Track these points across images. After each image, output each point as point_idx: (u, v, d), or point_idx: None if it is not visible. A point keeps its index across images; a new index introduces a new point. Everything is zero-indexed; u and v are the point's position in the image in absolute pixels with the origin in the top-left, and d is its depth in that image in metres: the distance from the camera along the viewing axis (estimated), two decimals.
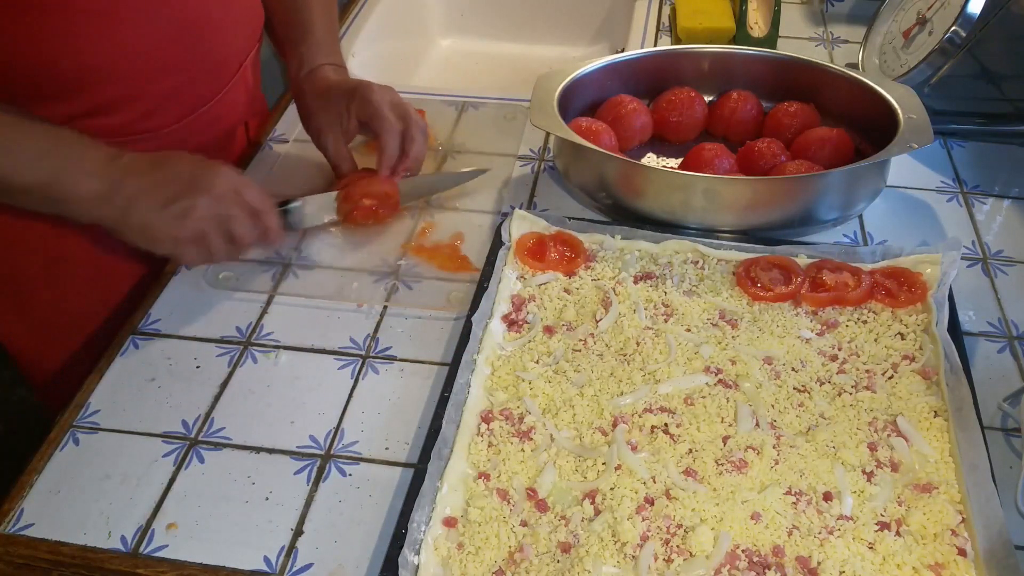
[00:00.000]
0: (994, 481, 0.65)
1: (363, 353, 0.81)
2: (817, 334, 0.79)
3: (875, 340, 0.78)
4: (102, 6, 0.79)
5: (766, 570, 0.61)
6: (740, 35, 1.23)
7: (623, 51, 1.13)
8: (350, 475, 0.71)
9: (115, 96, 0.85)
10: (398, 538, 0.63)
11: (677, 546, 0.63)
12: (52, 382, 1.00)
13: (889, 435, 0.70)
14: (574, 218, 0.90)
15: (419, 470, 0.67)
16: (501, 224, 0.89)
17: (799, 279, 0.82)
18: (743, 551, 0.62)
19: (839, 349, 0.78)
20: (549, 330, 0.80)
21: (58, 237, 0.90)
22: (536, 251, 0.87)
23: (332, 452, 0.73)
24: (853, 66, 1.15)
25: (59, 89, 0.82)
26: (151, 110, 0.89)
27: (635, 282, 0.84)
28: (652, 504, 0.65)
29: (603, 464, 0.68)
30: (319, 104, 0.96)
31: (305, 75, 0.98)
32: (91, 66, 0.82)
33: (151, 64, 0.86)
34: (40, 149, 0.77)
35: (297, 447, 0.73)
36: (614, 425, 0.71)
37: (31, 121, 0.79)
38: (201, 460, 0.72)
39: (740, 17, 1.23)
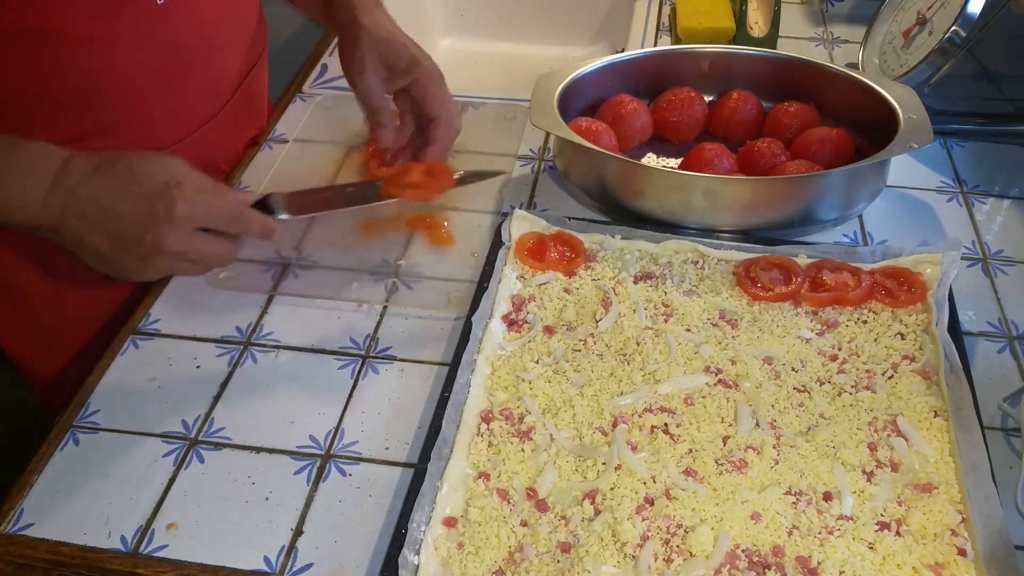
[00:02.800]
0: (994, 481, 0.65)
1: (363, 353, 0.81)
2: (817, 334, 0.79)
3: (875, 340, 0.78)
4: (100, 30, 0.79)
5: (766, 570, 0.61)
6: (740, 35, 1.23)
7: (623, 51, 1.13)
8: (350, 475, 0.71)
9: (113, 118, 0.85)
10: (398, 538, 0.63)
11: (677, 546, 0.63)
12: (52, 384, 1.00)
13: (889, 435, 0.70)
14: (574, 218, 0.90)
15: (419, 470, 0.67)
16: (501, 224, 0.89)
17: (799, 279, 0.82)
18: (743, 551, 0.62)
19: (839, 349, 0.78)
20: (549, 330, 0.80)
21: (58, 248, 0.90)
22: (536, 251, 0.87)
23: (332, 452, 0.73)
24: (853, 66, 1.15)
25: (56, 112, 0.81)
26: (151, 131, 0.88)
27: (635, 282, 0.84)
28: (652, 504, 0.65)
29: (603, 464, 0.68)
30: (375, 51, 0.90)
31: (359, 17, 0.91)
32: (88, 89, 0.81)
33: (149, 85, 0.86)
34: None
35: (297, 447, 0.73)
36: (614, 425, 0.71)
37: None
38: (201, 460, 0.72)
39: (740, 17, 1.23)
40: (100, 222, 0.69)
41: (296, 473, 0.71)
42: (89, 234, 0.69)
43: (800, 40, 1.29)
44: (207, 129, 0.95)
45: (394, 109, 0.93)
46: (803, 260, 0.84)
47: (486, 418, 0.72)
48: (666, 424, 0.71)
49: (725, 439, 0.70)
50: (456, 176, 0.89)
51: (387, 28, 0.92)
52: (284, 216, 0.79)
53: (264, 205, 0.78)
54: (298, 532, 0.67)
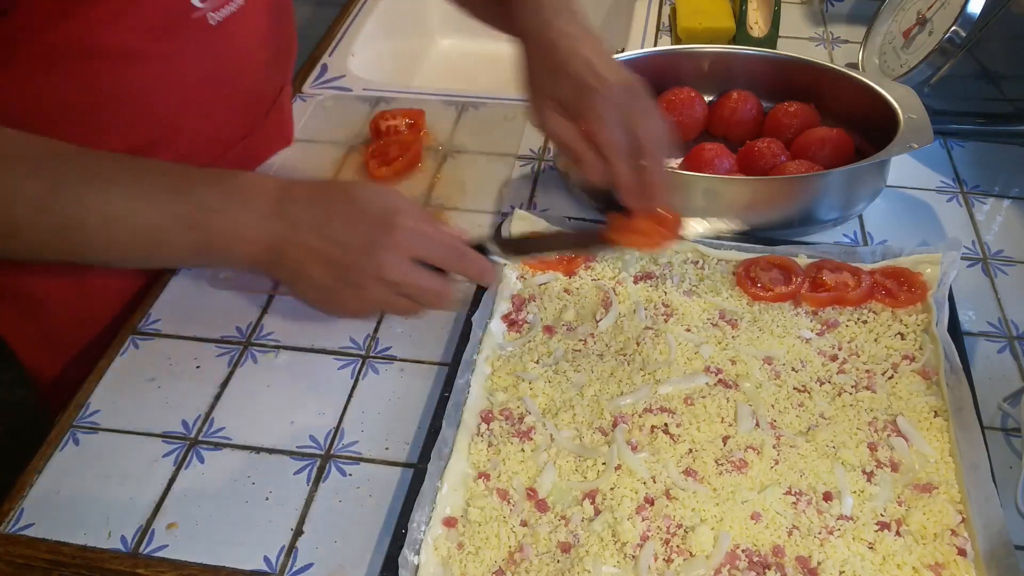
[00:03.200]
0: (994, 481, 0.65)
1: (363, 353, 0.81)
2: (817, 334, 0.79)
3: (875, 340, 0.78)
4: (155, 48, 0.79)
5: (766, 570, 0.61)
6: (740, 35, 1.23)
7: (623, 51, 1.13)
8: (350, 475, 0.71)
9: (158, 134, 0.85)
10: (398, 538, 0.63)
11: (677, 546, 0.63)
12: (57, 384, 1.00)
13: (889, 435, 0.70)
14: (574, 218, 0.90)
15: (419, 470, 0.67)
16: (501, 224, 0.89)
17: (799, 279, 0.82)
18: (743, 551, 0.62)
19: (839, 349, 0.78)
20: (549, 330, 0.80)
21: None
22: None
23: (332, 452, 0.73)
24: (853, 66, 1.15)
25: (102, 127, 0.80)
26: (185, 153, 0.88)
27: (635, 282, 0.84)
28: (652, 504, 0.65)
29: (603, 464, 0.68)
30: (545, 77, 0.77)
31: (532, 36, 0.78)
32: (137, 105, 0.81)
33: (196, 103, 0.86)
34: (183, 217, 0.66)
35: (297, 447, 0.73)
36: (614, 425, 0.71)
37: (165, 176, 0.68)
38: (201, 460, 0.72)
39: (740, 17, 1.23)
40: (321, 251, 0.66)
41: (296, 473, 0.71)
42: (309, 264, 0.67)
43: (800, 40, 1.29)
44: (242, 147, 0.95)
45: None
46: (803, 260, 0.84)
47: (486, 418, 0.72)
48: (666, 424, 0.71)
49: (725, 439, 0.70)
50: (682, 231, 0.77)
51: (564, 36, 0.77)
52: (499, 259, 0.77)
53: (479, 247, 0.74)
54: (298, 532, 0.67)
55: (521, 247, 0.81)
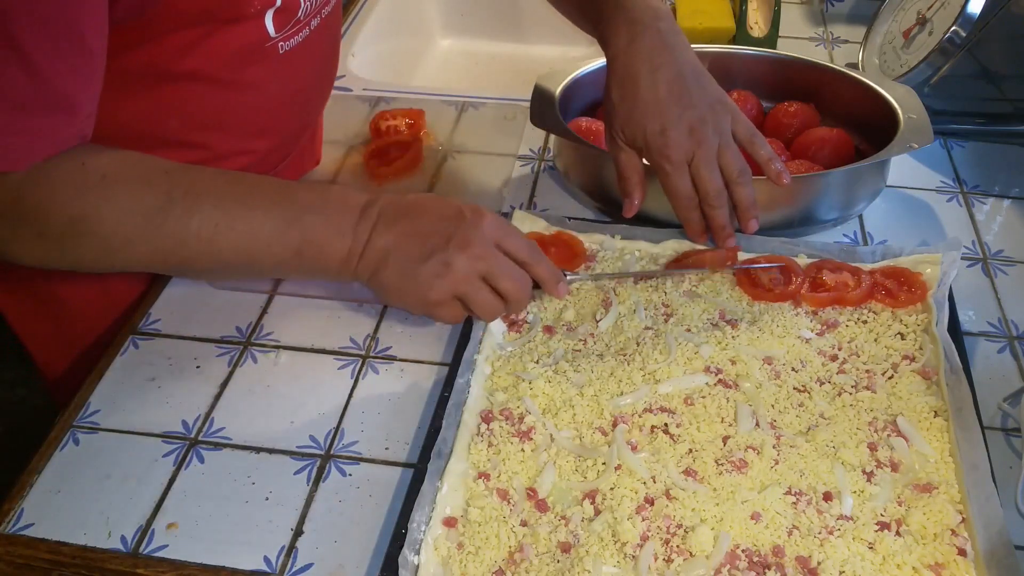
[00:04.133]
0: (994, 481, 0.65)
1: (363, 353, 0.81)
2: (817, 334, 0.79)
3: (875, 340, 0.78)
4: (231, 75, 0.80)
5: (766, 570, 0.61)
6: (740, 35, 1.23)
7: None
8: (350, 475, 0.71)
9: (212, 156, 0.85)
10: (398, 538, 0.63)
11: (677, 546, 0.63)
12: (67, 383, 1.00)
13: (889, 435, 0.70)
14: (574, 218, 0.90)
15: (419, 470, 0.67)
16: None
17: (799, 279, 0.82)
18: (743, 551, 0.62)
19: (839, 349, 0.78)
20: (549, 330, 0.80)
21: None
22: None
23: (332, 452, 0.73)
24: (853, 66, 1.15)
25: (161, 150, 0.78)
26: (246, 169, 0.88)
27: (635, 282, 0.84)
28: (652, 504, 0.65)
29: (603, 464, 0.68)
30: (617, 114, 0.80)
31: (612, 57, 0.81)
32: (200, 129, 0.83)
33: (256, 128, 0.87)
34: (284, 218, 0.70)
35: (297, 447, 0.73)
36: (614, 425, 0.71)
37: (267, 187, 0.73)
38: (201, 460, 0.72)
39: (740, 17, 1.23)
40: (412, 233, 0.71)
41: (296, 473, 0.71)
42: (398, 247, 0.71)
43: (800, 40, 1.29)
44: (287, 164, 0.96)
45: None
46: (803, 260, 0.84)
47: (486, 418, 0.72)
48: (666, 424, 0.71)
49: (725, 439, 0.70)
50: (739, 261, 0.84)
51: (642, 68, 0.78)
52: (572, 276, 0.81)
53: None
54: (298, 532, 0.67)
55: (601, 276, 0.84)
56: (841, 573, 0.61)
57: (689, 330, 0.79)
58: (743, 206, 0.82)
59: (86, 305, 0.93)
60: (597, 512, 0.65)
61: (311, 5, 0.82)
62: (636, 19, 0.80)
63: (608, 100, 0.82)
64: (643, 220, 0.91)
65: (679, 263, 0.85)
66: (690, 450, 0.69)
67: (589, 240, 0.88)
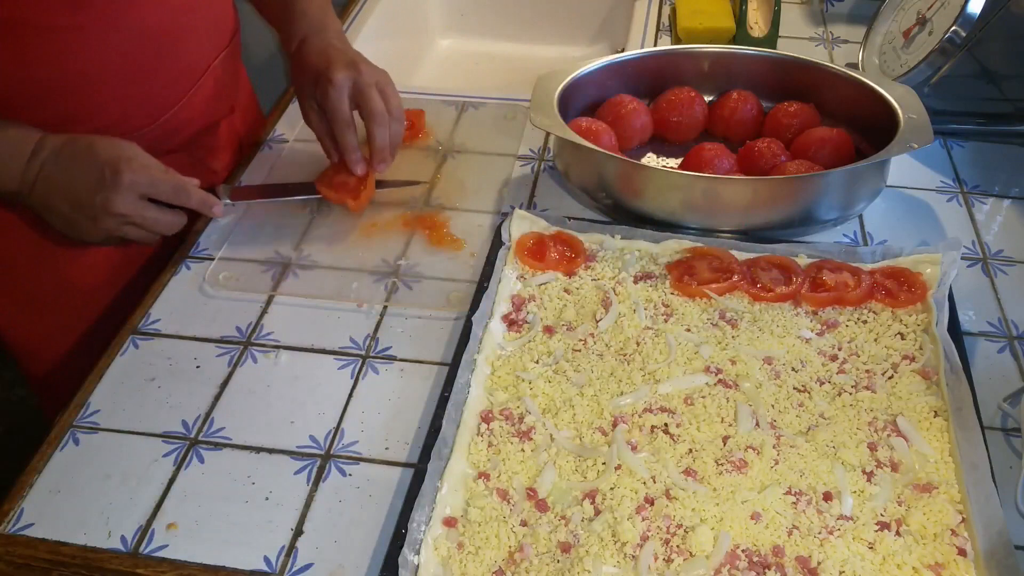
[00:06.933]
0: (994, 481, 0.65)
1: (363, 353, 0.81)
2: (817, 334, 0.79)
3: (875, 340, 0.78)
4: (69, 20, 0.80)
5: (766, 570, 0.61)
6: (740, 35, 1.23)
7: (623, 51, 1.13)
8: (350, 475, 0.71)
9: (80, 108, 0.86)
10: (398, 538, 0.63)
11: (677, 546, 0.63)
12: (50, 376, 1.00)
13: (889, 435, 0.70)
14: (574, 218, 0.90)
15: (419, 470, 0.67)
16: (501, 224, 0.89)
17: (799, 279, 0.82)
18: (743, 551, 0.62)
19: (839, 349, 0.78)
20: (549, 330, 0.80)
21: (65, 247, 0.92)
22: (536, 251, 0.87)
23: (332, 452, 0.73)
24: (853, 66, 1.15)
25: (28, 101, 0.83)
26: (117, 119, 0.89)
27: (635, 282, 0.84)
28: (652, 504, 0.65)
29: (603, 464, 0.68)
30: (300, 86, 0.94)
31: (293, 51, 0.96)
32: (60, 79, 0.83)
33: (116, 75, 0.87)
34: None
35: (297, 447, 0.73)
36: (614, 425, 0.71)
37: None
38: (201, 460, 0.72)
39: (740, 17, 1.23)
40: (61, 187, 0.81)
41: (296, 473, 0.71)
42: (53, 198, 0.82)
43: (800, 40, 1.29)
44: (177, 111, 0.96)
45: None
46: (803, 260, 0.84)
47: (486, 418, 0.72)
48: (666, 424, 0.71)
49: (725, 439, 0.70)
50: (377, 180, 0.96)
51: (311, 44, 0.94)
52: (227, 200, 0.92)
53: (209, 190, 0.89)
54: (298, 532, 0.67)
55: (248, 193, 0.97)
56: (841, 573, 0.61)
57: (689, 330, 0.79)
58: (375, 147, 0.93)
59: (52, 295, 0.95)
60: (597, 512, 0.65)
61: None
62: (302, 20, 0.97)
63: (293, 77, 0.96)
64: (643, 220, 0.91)
65: (321, 186, 0.95)
66: (690, 450, 0.69)
67: (589, 240, 0.88)
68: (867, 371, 0.75)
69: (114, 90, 0.88)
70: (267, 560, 0.65)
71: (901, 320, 0.80)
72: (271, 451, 0.73)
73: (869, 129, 0.96)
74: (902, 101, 0.93)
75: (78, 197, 0.81)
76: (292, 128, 1.11)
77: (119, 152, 0.81)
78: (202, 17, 0.96)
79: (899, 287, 0.82)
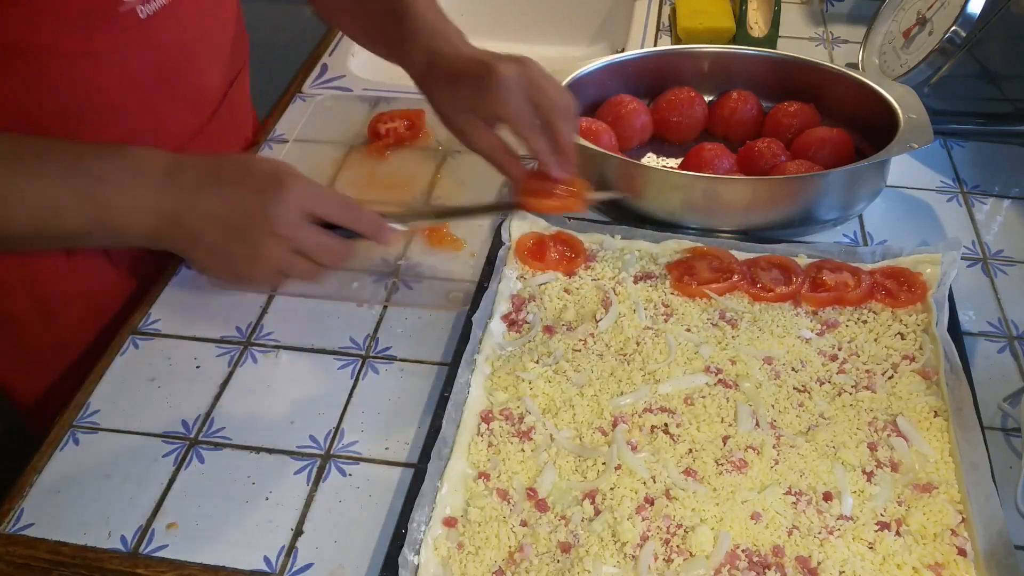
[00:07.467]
0: (994, 481, 0.65)
1: (363, 353, 0.81)
2: (817, 334, 0.79)
3: (875, 340, 0.78)
4: (85, 47, 0.77)
5: (766, 570, 0.61)
6: (740, 35, 1.23)
7: (623, 51, 1.13)
8: (350, 475, 0.71)
9: (100, 135, 0.82)
10: (398, 538, 0.63)
11: (677, 546, 0.63)
12: (37, 405, 0.97)
13: (889, 435, 0.70)
14: (574, 218, 0.90)
15: (419, 470, 0.67)
16: (501, 224, 0.89)
17: (799, 279, 0.82)
18: (743, 551, 0.62)
19: (839, 349, 0.78)
20: (549, 330, 0.80)
21: (47, 273, 0.88)
22: (536, 251, 0.87)
23: (332, 452, 0.73)
24: (853, 66, 1.15)
25: (44, 130, 0.78)
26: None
27: (635, 282, 0.84)
28: (652, 504, 0.65)
29: (603, 464, 0.68)
30: (450, 105, 0.82)
31: (423, 72, 0.83)
32: (75, 106, 0.80)
33: (134, 101, 0.84)
34: (78, 191, 0.68)
35: (297, 447, 0.73)
36: (614, 425, 0.71)
37: (61, 153, 0.69)
38: (201, 460, 0.72)
39: (740, 17, 1.23)
40: (214, 213, 0.68)
41: (296, 473, 0.71)
42: (204, 229, 0.69)
43: (800, 40, 1.29)
44: (193, 143, 0.93)
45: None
46: (803, 260, 0.84)
47: (486, 418, 0.72)
48: (666, 424, 0.71)
49: (725, 439, 0.70)
50: (588, 197, 0.84)
51: (444, 52, 0.81)
52: (398, 225, 0.77)
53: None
54: (298, 532, 0.67)
55: (427, 213, 0.85)
56: (841, 573, 0.61)
57: (689, 330, 0.79)
58: (568, 145, 0.80)
59: (32, 319, 0.90)
60: (597, 512, 0.65)
61: None
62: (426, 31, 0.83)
63: (434, 95, 0.83)
64: (643, 220, 0.91)
65: (525, 199, 0.83)
66: (690, 450, 0.69)
67: (589, 240, 0.88)
68: (867, 371, 0.75)
69: (128, 121, 0.85)
70: (267, 560, 0.65)
71: (901, 320, 0.80)
72: (271, 451, 0.73)
73: (869, 129, 0.96)
74: (902, 101, 0.93)
75: (235, 222, 0.68)
76: (292, 128, 1.11)
77: (278, 165, 0.71)
78: (215, 45, 0.94)
79: (899, 287, 0.82)
